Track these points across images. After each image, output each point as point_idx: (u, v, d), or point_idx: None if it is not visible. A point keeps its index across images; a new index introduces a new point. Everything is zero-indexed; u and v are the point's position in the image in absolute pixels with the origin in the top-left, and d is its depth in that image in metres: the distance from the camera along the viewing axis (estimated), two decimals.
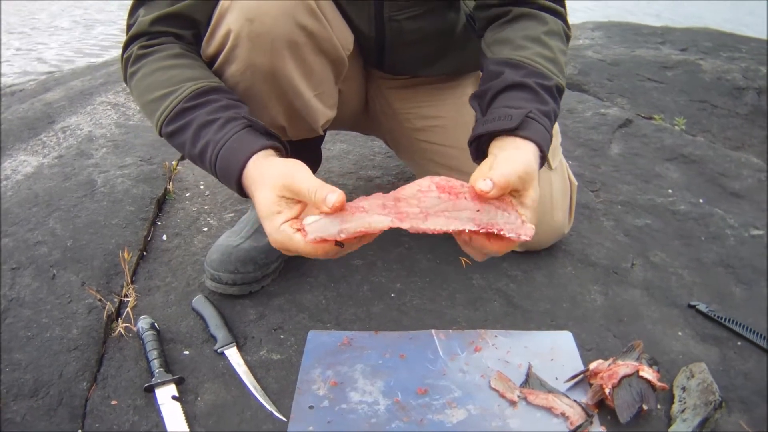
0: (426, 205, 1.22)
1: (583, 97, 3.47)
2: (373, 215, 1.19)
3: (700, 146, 2.88)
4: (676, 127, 3.15)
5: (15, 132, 2.87)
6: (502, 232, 1.22)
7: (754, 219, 2.33)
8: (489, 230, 1.21)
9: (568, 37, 1.67)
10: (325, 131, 1.85)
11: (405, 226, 1.19)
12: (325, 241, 1.20)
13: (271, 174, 1.29)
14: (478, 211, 1.23)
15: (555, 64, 1.55)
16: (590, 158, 2.70)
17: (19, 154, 2.63)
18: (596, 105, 3.30)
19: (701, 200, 2.43)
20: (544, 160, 1.40)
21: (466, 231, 1.21)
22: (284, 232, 1.25)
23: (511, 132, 1.37)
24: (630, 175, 2.59)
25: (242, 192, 1.38)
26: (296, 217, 1.26)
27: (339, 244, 1.20)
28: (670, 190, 2.48)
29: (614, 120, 3.08)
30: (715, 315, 1.81)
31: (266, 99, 1.59)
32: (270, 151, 1.37)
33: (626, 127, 3.04)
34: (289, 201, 1.27)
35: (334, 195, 1.19)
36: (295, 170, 1.27)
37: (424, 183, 1.25)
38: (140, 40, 1.55)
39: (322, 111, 1.70)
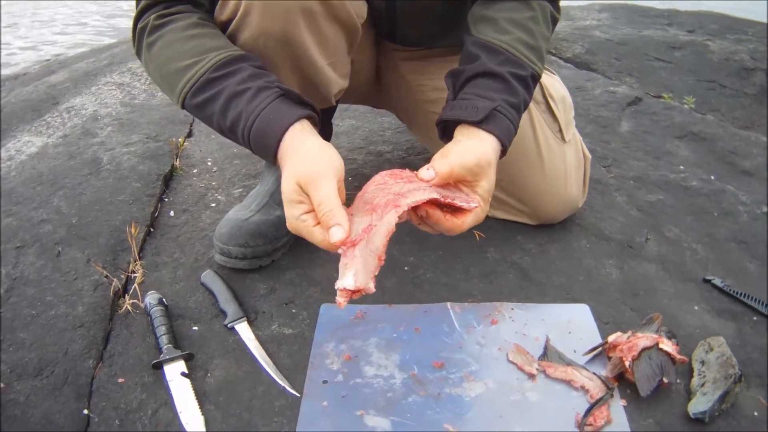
0: (395, 190, 1.29)
1: (591, 75, 3.44)
2: (384, 219, 1.22)
3: (710, 124, 2.86)
4: (686, 106, 3.11)
5: (19, 114, 2.85)
6: (454, 201, 1.31)
7: (765, 197, 2.30)
8: (446, 200, 1.29)
9: (555, 21, 1.67)
10: (336, 103, 1.82)
11: (403, 208, 1.24)
12: (356, 292, 1.21)
13: (298, 159, 1.29)
14: (431, 187, 1.31)
15: (534, 52, 1.56)
16: (600, 135, 2.68)
17: (23, 135, 2.61)
18: (605, 83, 3.27)
19: (712, 177, 2.41)
20: (505, 152, 1.47)
21: (433, 198, 1.28)
22: (304, 222, 1.25)
23: (476, 123, 1.41)
24: (641, 152, 2.56)
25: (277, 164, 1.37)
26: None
27: None
28: (681, 167, 2.46)
29: (623, 98, 3.06)
30: (730, 290, 1.78)
31: (279, 67, 1.54)
32: (305, 123, 1.36)
33: (635, 105, 3.01)
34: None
35: (340, 232, 1.20)
36: (319, 171, 1.26)
37: (378, 178, 1.36)
38: (156, 8, 1.51)
39: (336, 80, 1.66)
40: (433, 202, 1.30)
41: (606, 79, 3.43)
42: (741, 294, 1.76)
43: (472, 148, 1.38)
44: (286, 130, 1.32)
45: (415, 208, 1.29)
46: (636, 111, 2.95)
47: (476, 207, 1.34)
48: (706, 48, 3.88)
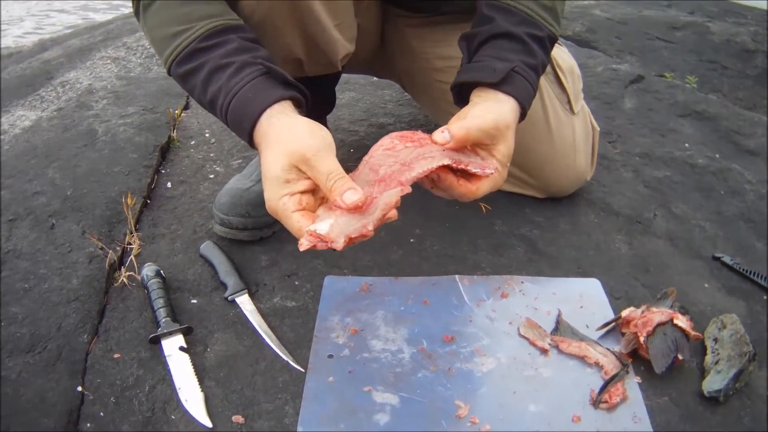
0: (402, 157, 1.23)
1: (592, 53, 3.41)
2: (384, 194, 1.17)
3: (713, 104, 2.83)
4: (688, 85, 3.09)
5: (12, 90, 2.83)
6: (468, 167, 1.25)
7: None
8: (458, 165, 1.25)
9: None
10: (341, 71, 1.77)
11: (408, 183, 1.19)
12: (323, 240, 1.13)
13: (290, 137, 1.23)
14: (444, 150, 1.26)
15: (550, 13, 1.51)
16: (604, 111, 2.64)
17: (16, 110, 2.59)
18: (607, 61, 3.24)
19: (717, 155, 2.37)
20: (524, 115, 1.41)
21: (443, 165, 1.23)
22: (284, 205, 1.19)
23: (493, 85, 1.36)
24: (645, 129, 2.53)
25: (255, 145, 1.32)
26: (302, 192, 1.21)
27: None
28: (686, 144, 2.43)
29: (626, 75, 3.02)
30: (740, 268, 1.75)
31: (284, 28, 1.50)
32: (287, 104, 1.30)
33: (638, 83, 2.98)
34: (300, 173, 1.20)
35: (355, 195, 1.14)
36: (320, 146, 1.20)
37: (386, 141, 1.28)
38: None
39: (342, 43, 1.61)
40: (446, 167, 1.25)
41: (607, 57, 3.40)
42: (751, 273, 1.73)
43: (490, 109, 1.32)
44: (263, 111, 1.27)
45: None
46: (639, 89, 2.92)
47: (492, 173, 1.28)
48: (707, 29, 3.87)
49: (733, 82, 3.37)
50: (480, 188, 1.29)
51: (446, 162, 1.23)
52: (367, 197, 1.15)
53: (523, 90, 1.39)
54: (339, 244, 1.12)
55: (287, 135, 1.23)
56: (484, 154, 1.32)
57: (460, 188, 1.28)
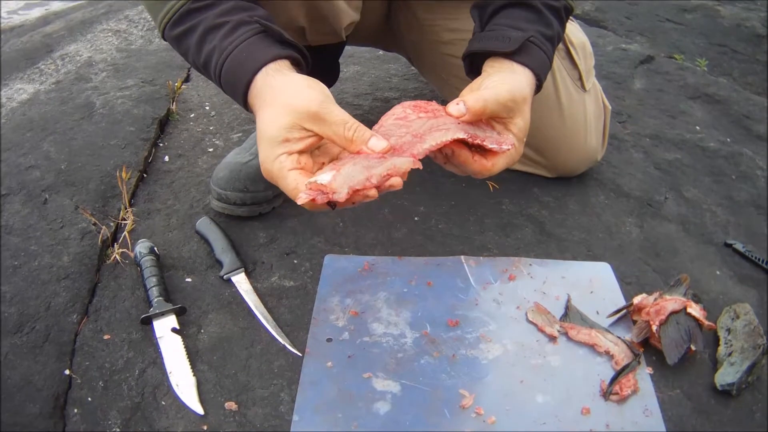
0: (414, 128, 1.18)
1: (602, 32, 3.38)
2: (395, 159, 1.11)
3: (724, 87, 2.79)
4: (698, 68, 3.04)
5: (12, 63, 2.79)
6: (484, 143, 1.20)
7: None
8: (474, 141, 1.19)
9: None
10: (344, 42, 1.72)
11: (420, 157, 1.13)
12: (323, 192, 1.07)
13: (289, 94, 1.16)
14: (459, 123, 1.20)
15: None
16: (614, 90, 2.60)
17: (15, 83, 2.55)
18: (616, 41, 3.20)
19: (728, 139, 2.33)
20: (540, 87, 1.36)
21: (458, 138, 1.18)
22: (281, 164, 1.13)
23: (508, 55, 1.30)
24: (655, 110, 2.50)
25: (249, 108, 1.25)
26: (299, 152, 1.14)
27: (331, 204, 1.08)
28: (697, 127, 2.39)
29: (636, 56, 2.99)
30: (753, 256, 1.70)
31: None
32: (284, 63, 1.23)
33: (648, 63, 2.95)
34: (304, 132, 1.14)
35: (382, 141, 1.10)
36: (323, 98, 1.14)
37: (398, 110, 1.24)
38: None
39: (347, 11, 1.56)
40: (460, 142, 1.19)
41: (617, 36, 3.36)
42: (764, 261, 1.69)
43: (505, 80, 1.26)
44: (258, 71, 1.20)
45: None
46: (649, 69, 2.89)
47: (509, 149, 1.22)
48: (717, 13, 3.82)
49: (743, 67, 3.32)
50: (496, 165, 1.23)
51: (461, 136, 1.17)
52: (390, 146, 1.12)
53: (539, 61, 1.33)
54: (341, 195, 1.06)
55: (285, 93, 1.17)
56: (500, 129, 1.26)
57: (475, 164, 1.22)
